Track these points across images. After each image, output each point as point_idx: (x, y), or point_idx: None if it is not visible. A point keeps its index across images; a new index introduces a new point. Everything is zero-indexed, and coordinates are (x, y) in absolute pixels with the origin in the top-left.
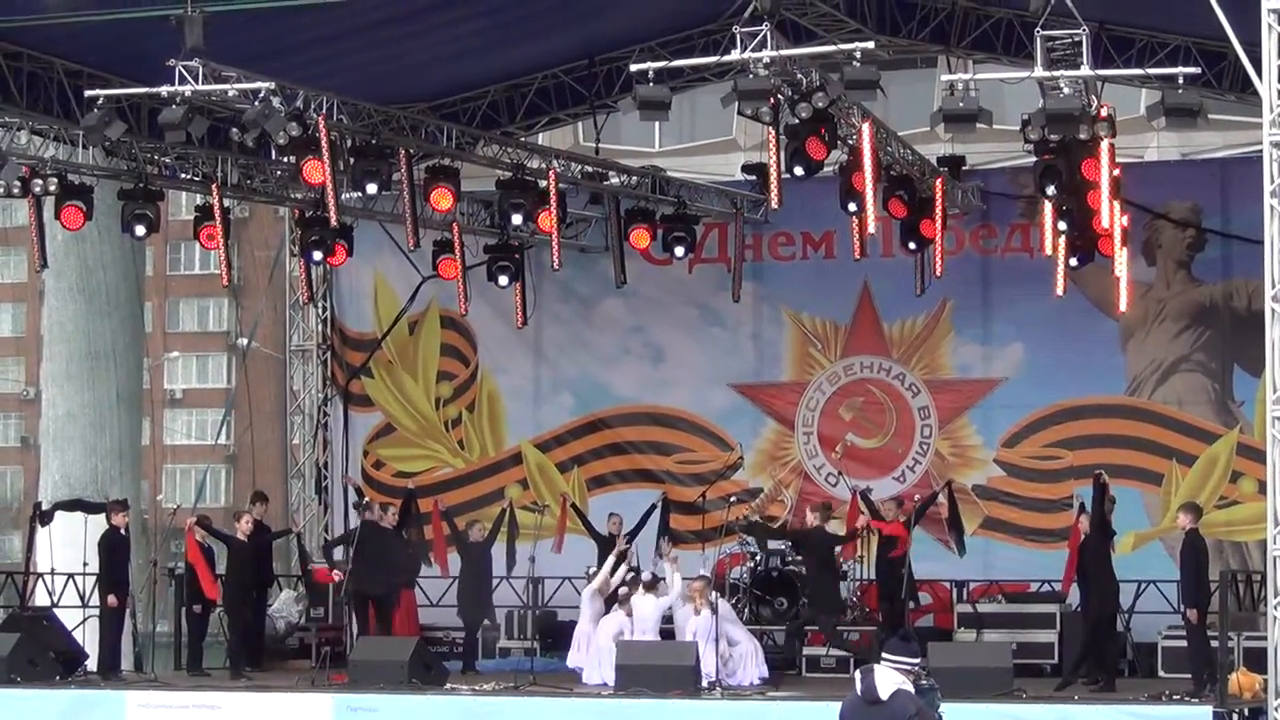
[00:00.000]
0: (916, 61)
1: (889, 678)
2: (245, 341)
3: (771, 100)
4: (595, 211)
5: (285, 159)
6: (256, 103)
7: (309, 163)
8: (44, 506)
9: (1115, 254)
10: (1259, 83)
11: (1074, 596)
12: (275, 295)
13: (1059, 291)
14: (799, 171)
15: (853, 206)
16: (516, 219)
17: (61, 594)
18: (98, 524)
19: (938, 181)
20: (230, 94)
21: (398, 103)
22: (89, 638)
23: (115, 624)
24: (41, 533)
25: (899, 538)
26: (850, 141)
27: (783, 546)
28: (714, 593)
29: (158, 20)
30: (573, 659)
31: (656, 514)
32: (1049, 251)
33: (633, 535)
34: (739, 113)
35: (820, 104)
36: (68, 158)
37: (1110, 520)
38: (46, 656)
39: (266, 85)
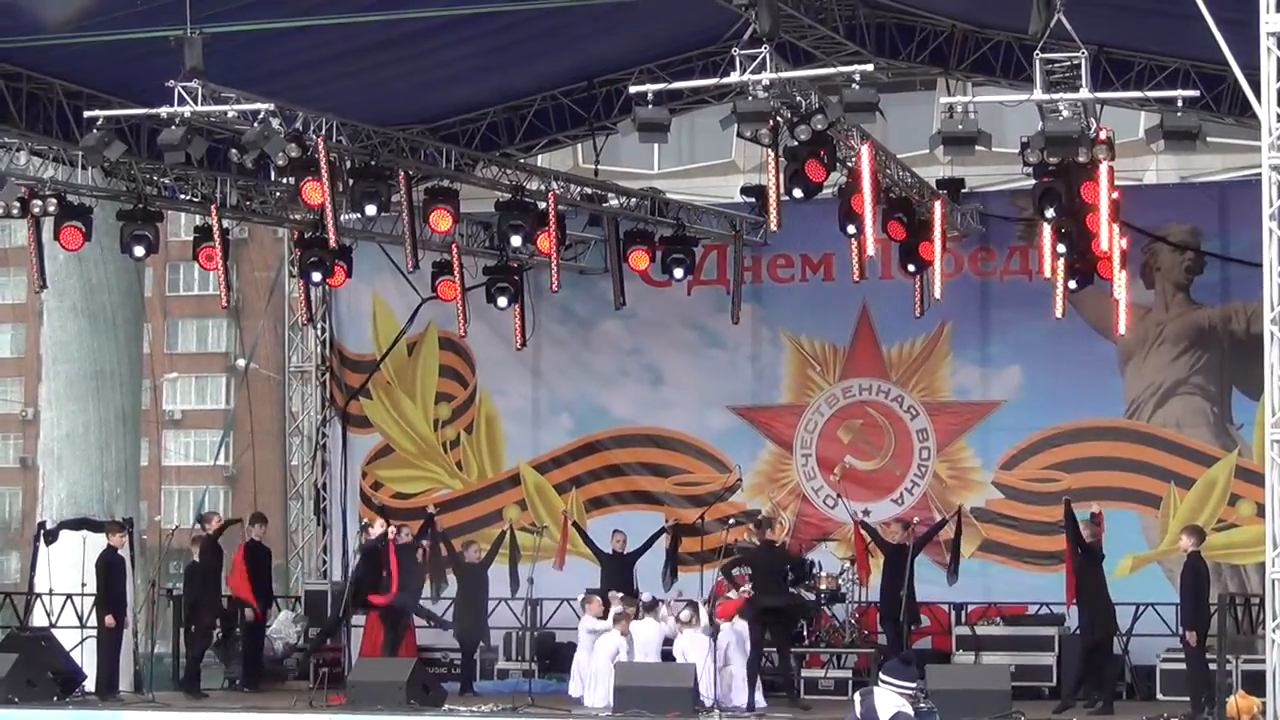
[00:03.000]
0: (916, 84)
1: (888, 700)
2: (244, 362)
3: (771, 122)
4: (594, 233)
5: (284, 180)
6: (256, 124)
7: (308, 184)
8: (49, 526)
9: (1114, 277)
10: (1258, 106)
11: (1072, 619)
12: (274, 316)
13: (1058, 314)
14: (798, 194)
15: (852, 229)
16: (516, 240)
17: (60, 614)
18: (96, 544)
19: (937, 204)
20: (230, 115)
21: (397, 124)
22: (87, 658)
23: (113, 644)
24: (45, 552)
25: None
26: (849, 164)
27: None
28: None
29: (157, 41)
30: (574, 688)
31: (663, 542)
32: (1048, 274)
33: (635, 558)
34: (738, 135)
35: (819, 126)
36: (67, 178)
37: (1098, 543)
38: (45, 677)
39: (266, 106)
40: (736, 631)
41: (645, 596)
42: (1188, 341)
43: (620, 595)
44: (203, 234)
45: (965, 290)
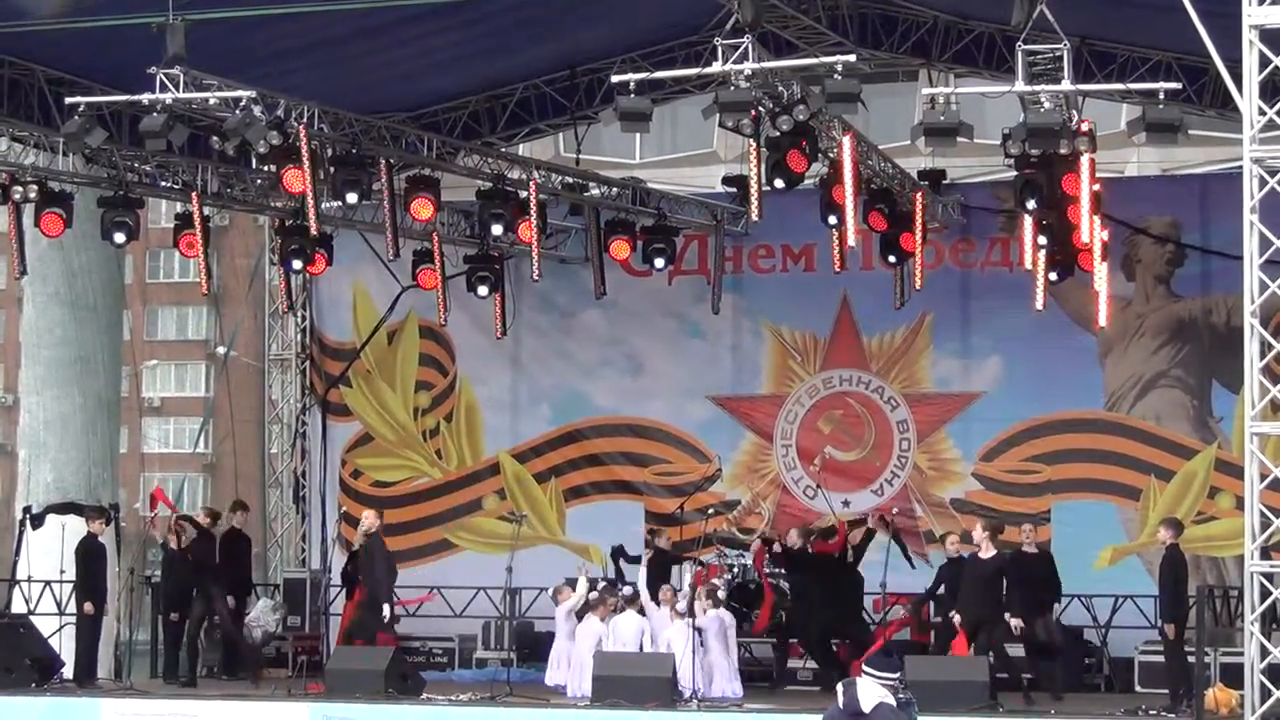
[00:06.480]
0: (898, 75)
1: (871, 690)
2: (224, 350)
3: (752, 113)
4: (575, 222)
5: (266, 168)
6: (237, 111)
7: (289, 171)
8: (34, 510)
9: (1095, 269)
10: (1240, 99)
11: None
12: (255, 304)
13: (1038, 306)
14: (779, 184)
15: (833, 219)
16: (496, 229)
17: (38, 601)
18: (75, 531)
19: (918, 195)
20: (211, 102)
21: (379, 112)
22: (65, 645)
23: (92, 632)
24: (29, 537)
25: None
26: (831, 154)
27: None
28: (705, 604)
29: (140, 28)
30: (551, 677)
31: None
32: (1028, 266)
33: (620, 552)
34: (720, 125)
35: (801, 117)
36: (48, 165)
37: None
38: (23, 663)
39: (248, 94)
40: (719, 619)
41: (627, 590)
42: (1168, 334)
43: (601, 582)
44: (183, 221)
45: (946, 281)
